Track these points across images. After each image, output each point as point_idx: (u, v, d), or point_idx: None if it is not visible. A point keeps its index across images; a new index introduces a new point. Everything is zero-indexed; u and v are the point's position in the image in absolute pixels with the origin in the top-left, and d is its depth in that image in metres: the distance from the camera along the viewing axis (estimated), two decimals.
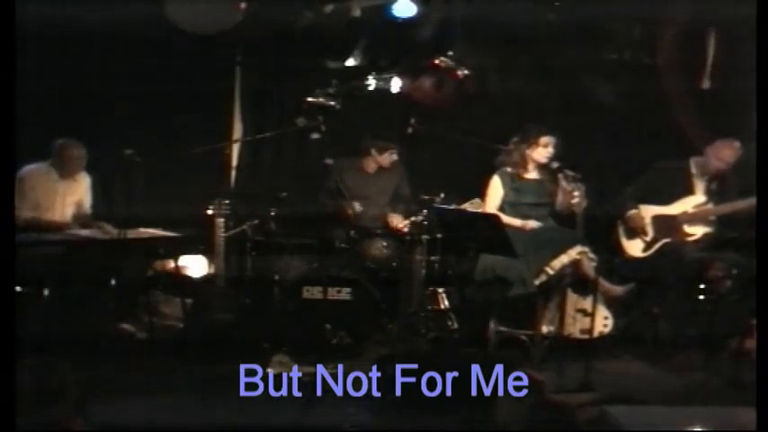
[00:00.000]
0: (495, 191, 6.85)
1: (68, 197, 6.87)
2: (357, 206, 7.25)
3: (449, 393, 5.29)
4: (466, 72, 7.83)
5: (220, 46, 7.78)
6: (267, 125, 8.08)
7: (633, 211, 7.00)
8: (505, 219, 6.68)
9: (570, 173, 6.61)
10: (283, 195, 7.12)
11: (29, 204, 6.61)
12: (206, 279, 7.07)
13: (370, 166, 7.49)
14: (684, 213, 6.97)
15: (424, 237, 6.85)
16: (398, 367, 5.64)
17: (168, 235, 6.69)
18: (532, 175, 6.82)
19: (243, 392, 5.67)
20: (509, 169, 6.82)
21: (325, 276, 6.52)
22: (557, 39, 7.69)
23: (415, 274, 7.08)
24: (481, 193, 6.95)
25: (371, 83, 7.88)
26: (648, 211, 7.05)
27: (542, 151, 6.75)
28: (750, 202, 6.59)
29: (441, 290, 7.02)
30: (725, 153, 6.90)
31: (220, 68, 8.09)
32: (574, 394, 5.46)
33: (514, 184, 6.81)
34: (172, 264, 6.95)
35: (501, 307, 6.54)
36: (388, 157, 7.44)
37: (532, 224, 6.75)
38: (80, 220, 6.87)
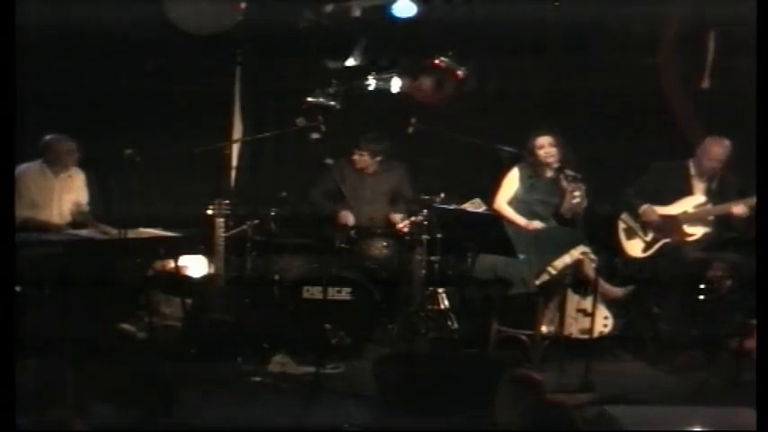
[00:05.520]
0: (511, 183, 6.93)
1: (64, 194, 6.88)
2: (350, 218, 7.24)
3: (448, 393, 5.30)
4: (466, 72, 7.83)
5: (220, 46, 7.78)
6: (267, 125, 8.08)
7: (645, 206, 6.98)
8: (511, 214, 6.76)
9: (570, 173, 6.63)
10: (283, 195, 7.12)
11: (25, 203, 6.61)
12: (206, 279, 7.07)
13: (363, 167, 7.43)
14: (684, 213, 6.97)
15: (424, 237, 6.85)
16: (398, 367, 5.67)
17: (168, 235, 6.69)
18: (549, 174, 6.85)
19: (243, 392, 5.68)
20: (529, 165, 6.88)
21: (325, 276, 6.52)
22: (557, 38, 7.69)
23: (415, 274, 7.07)
24: (485, 191, 6.98)
25: (371, 83, 7.88)
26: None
27: (540, 152, 6.80)
28: (745, 203, 6.64)
29: (441, 290, 7.02)
30: (715, 151, 6.89)
31: (220, 68, 8.09)
32: (574, 394, 5.46)
33: (531, 181, 6.89)
34: (172, 264, 6.95)
35: (501, 307, 6.54)
36: (370, 161, 7.39)
37: (536, 224, 6.78)
38: (78, 217, 6.87)
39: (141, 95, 7.57)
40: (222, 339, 6.34)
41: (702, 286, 6.74)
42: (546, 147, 6.79)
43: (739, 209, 6.74)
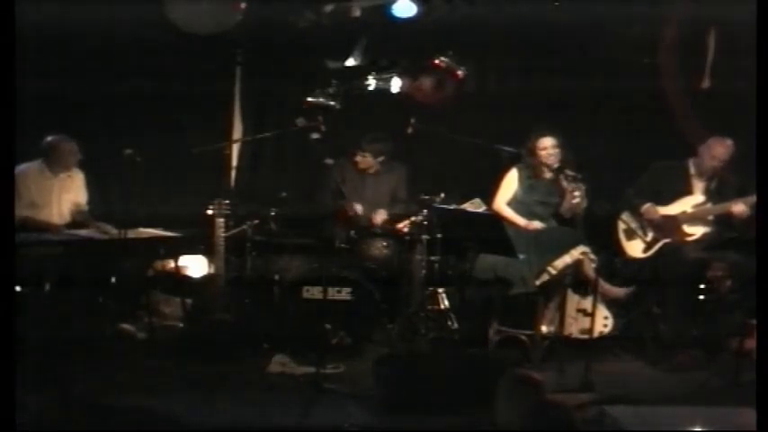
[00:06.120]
0: (510, 184, 6.94)
1: (64, 194, 6.87)
2: (359, 208, 7.24)
3: (448, 393, 5.30)
4: (466, 72, 7.83)
5: (220, 46, 7.78)
6: (267, 125, 8.08)
7: (648, 205, 6.98)
8: (511, 215, 6.78)
9: (570, 173, 6.63)
10: (283, 195, 7.12)
11: (24, 203, 6.61)
12: (206, 279, 7.07)
13: (365, 168, 7.44)
14: (684, 213, 6.97)
15: (424, 237, 6.85)
16: (398, 367, 5.67)
17: (168, 235, 6.69)
18: (548, 174, 6.86)
19: (243, 392, 5.68)
20: (528, 166, 6.88)
21: (325, 276, 6.52)
22: (557, 38, 7.69)
23: (415, 274, 7.07)
24: (485, 191, 6.98)
25: (371, 83, 7.88)
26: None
27: (542, 153, 6.81)
28: (744, 203, 6.64)
29: (441, 290, 7.02)
30: (718, 151, 6.90)
31: (220, 68, 8.09)
32: (574, 394, 5.46)
33: (530, 182, 6.89)
34: (172, 264, 6.95)
35: (501, 307, 6.54)
36: (373, 162, 7.40)
37: (536, 225, 6.79)
38: (77, 217, 6.87)
39: (141, 95, 7.57)
40: (222, 339, 6.34)
41: (702, 286, 6.74)
42: (549, 148, 6.79)
43: (739, 208, 6.74)
